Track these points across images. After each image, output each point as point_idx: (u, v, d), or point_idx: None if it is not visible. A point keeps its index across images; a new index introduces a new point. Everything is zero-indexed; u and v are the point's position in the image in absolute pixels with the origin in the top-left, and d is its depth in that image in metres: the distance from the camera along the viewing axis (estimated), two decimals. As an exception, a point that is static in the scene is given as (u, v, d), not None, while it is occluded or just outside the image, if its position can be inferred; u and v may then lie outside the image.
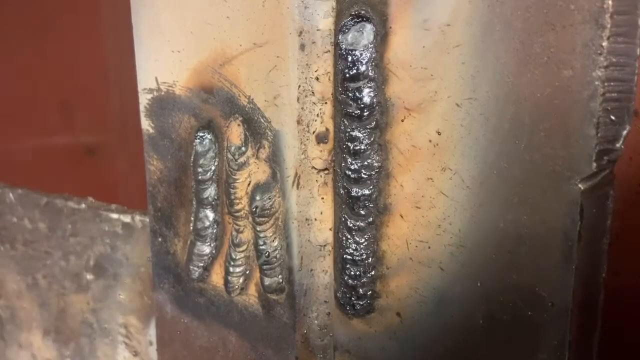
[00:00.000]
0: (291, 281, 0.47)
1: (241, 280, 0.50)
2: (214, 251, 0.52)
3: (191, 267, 0.53)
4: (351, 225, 0.44)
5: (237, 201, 0.48)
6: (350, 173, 0.43)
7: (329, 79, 0.43)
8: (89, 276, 0.68)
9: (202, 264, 0.52)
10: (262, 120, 0.46)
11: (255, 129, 0.47)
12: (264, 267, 0.48)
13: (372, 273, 0.45)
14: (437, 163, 0.40)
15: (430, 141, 0.41)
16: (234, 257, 0.50)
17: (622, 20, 0.33)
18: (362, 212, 0.43)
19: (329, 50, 0.43)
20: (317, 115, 0.44)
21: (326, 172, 0.45)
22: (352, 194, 0.43)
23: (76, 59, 1.06)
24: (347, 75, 0.42)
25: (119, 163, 1.12)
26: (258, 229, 0.48)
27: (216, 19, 0.46)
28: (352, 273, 0.45)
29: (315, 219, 0.46)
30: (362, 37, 0.41)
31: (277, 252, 0.48)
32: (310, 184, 0.46)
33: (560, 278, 0.37)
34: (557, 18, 0.34)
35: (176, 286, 0.55)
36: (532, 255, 0.38)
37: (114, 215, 0.65)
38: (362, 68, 0.41)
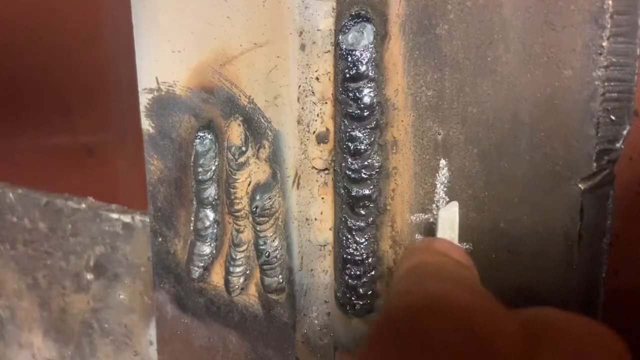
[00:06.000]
0: (291, 281, 0.47)
1: (241, 280, 0.50)
2: (214, 251, 0.52)
3: (191, 267, 0.53)
4: (351, 225, 0.44)
5: (237, 201, 0.48)
6: (350, 173, 0.43)
7: (329, 79, 0.43)
8: (89, 276, 0.68)
9: (202, 264, 0.52)
10: (262, 120, 0.46)
11: (256, 129, 0.47)
12: (264, 267, 0.48)
13: (373, 273, 0.45)
14: (437, 163, 0.40)
15: (430, 141, 0.41)
16: (234, 257, 0.50)
17: (622, 20, 0.33)
18: (362, 212, 0.44)
19: (329, 51, 0.43)
20: (317, 115, 0.44)
21: (326, 172, 0.45)
22: (353, 194, 0.43)
23: (76, 58, 1.06)
24: (347, 75, 0.42)
25: (119, 163, 1.12)
26: (258, 228, 0.48)
27: (217, 18, 0.46)
28: (353, 273, 0.45)
29: (316, 219, 0.46)
30: (363, 37, 0.41)
31: (277, 252, 0.48)
32: (311, 184, 0.46)
33: (560, 278, 0.37)
34: (557, 18, 0.34)
35: (176, 286, 0.55)
36: (532, 255, 0.38)
37: (114, 215, 0.65)
38: (362, 68, 0.41)
